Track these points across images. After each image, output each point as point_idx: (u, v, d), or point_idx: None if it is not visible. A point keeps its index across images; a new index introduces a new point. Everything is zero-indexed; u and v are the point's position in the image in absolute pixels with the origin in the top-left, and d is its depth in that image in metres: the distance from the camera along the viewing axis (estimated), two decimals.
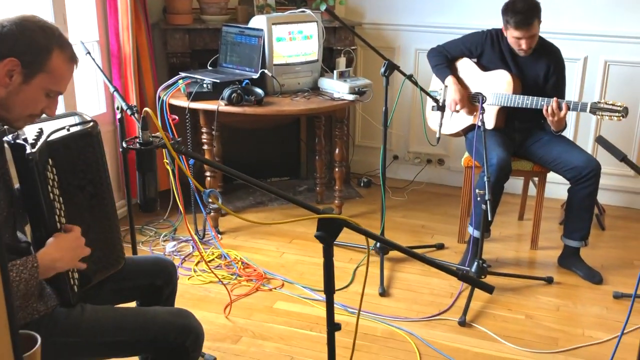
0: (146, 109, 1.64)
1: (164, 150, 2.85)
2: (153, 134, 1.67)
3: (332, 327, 1.65)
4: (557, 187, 3.79)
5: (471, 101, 3.31)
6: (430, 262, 1.60)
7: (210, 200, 1.57)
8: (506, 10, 3.09)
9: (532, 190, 3.71)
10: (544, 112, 3.06)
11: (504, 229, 3.75)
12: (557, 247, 3.36)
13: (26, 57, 1.53)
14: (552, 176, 3.32)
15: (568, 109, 3.03)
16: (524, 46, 3.12)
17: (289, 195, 1.62)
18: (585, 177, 3.07)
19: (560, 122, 3.08)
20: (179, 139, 1.67)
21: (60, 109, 2.93)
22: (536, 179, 3.50)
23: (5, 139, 1.60)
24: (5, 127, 1.60)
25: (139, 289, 2.00)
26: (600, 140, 1.85)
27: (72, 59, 1.64)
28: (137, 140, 1.66)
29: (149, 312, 1.84)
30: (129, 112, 2.49)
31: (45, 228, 1.60)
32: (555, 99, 3.04)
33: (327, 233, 1.54)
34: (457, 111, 3.30)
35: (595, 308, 2.92)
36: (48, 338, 1.62)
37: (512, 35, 3.11)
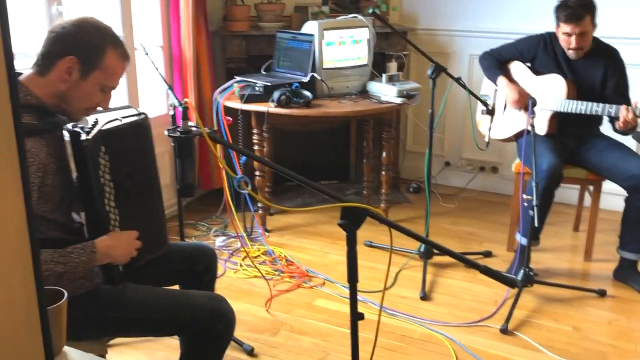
0: (186, 99, 1.73)
1: (218, 149, 2.97)
2: (193, 124, 1.76)
3: (355, 316, 1.68)
4: (616, 197, 3.66)
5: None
6: (456, 255, 1.60)
7: (240, 186, 1.63)
8: (558, 7, 3.04)
9: (589, 201, 3.59)
10: (618, 124, 2.96)
11: (558, 240, 3.65)
12: (614, 260, 3.23)
13: (83, 55, 1.65)
14: (612, 187, 3.21)
15: (634, 114, 2.91)
16: (573, 44, 3.03)
17: (315, 184, 1.64)
18: None
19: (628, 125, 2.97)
20: (215, 129, 1.75)
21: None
22: (591, 188, 3.39)
23: (65, 127, 1.73)
24: (65, 118, 1.73)
25: (180, 273, 2.09)
26: (637, 136, 1.78)
27: (124, 57, 1.75)
28: (178, 129, 1.75)
29: (186, 293, 1.94)
30: (179, 107, 2.60)
31: (95, 210, 1.70)
32: (624, 106, 2.92)
33: (351, 221, 1.56)
34: (521, 109, 3.22)
35: None
36: (91, 312, 1.75)
37: (562, 31, 3.04)
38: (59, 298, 1.16)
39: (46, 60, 1.66)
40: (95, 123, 1.70)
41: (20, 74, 1.69)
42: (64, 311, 1.18)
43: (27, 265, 0.83)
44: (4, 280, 0.80)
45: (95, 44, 1.68)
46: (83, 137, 1.64)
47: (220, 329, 1.84)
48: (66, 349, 1.21)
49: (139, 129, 1.81)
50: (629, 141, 3.70)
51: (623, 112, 2.92)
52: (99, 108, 1.78)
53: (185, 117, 1.73)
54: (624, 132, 3.03)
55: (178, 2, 3.58)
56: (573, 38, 3.03)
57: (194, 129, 1.72)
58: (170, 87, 2.75)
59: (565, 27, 3.02)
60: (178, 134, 1.71)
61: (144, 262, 1.87)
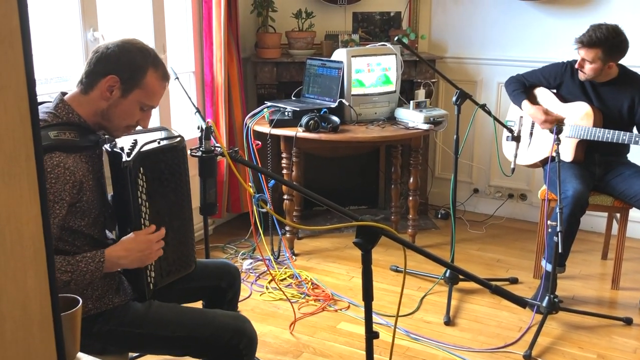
0: (209, 120, 1.81)
1: (248, 172, 3.03)
2: (216, 145, 1.84)
3: (371, 334, 1.70)
4: None
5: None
6: (469, 275, 1.62)
7: (259, 204, 1.70)
8: (591, 26, 3.08)
9: (617, 228, 3.54)
10: None
11: (585, 267, 3.60)
12: None
13: (125, 74, 1.75)
14: (639, 214, 3.17)
15: None
16: (583, 67, 3.10)
17: (338, 206, 1.68)
18: None
19: None
20: (237, 149, 1.82)
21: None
22: (618, 215, 3.35)
23: (104, 146, 1.82)
24: (105, 136, 1.83)
25: (204, 290, 2.15)
26: None
27: (164, 77, 1.84)
28: (200, 149, 1.83)
29: (209, 312, 1.98)
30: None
31: (131, 228, 1.77)
32: None
33: (366, 240, 1.60)
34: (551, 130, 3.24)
35: None
36: (118, 327, 1.80)
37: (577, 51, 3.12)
38: (74, 305, 1.22)
39: (89, 79, 1.76)
40: (135, 144, 1.77)
41: (65, 93, 1.79)
42: (78, 318, 1.23)
43: (42, 271, 0.86)
44: (19, 285, 0.83)
45: (137, 63, 1.76)
46: (124, 158, 1.72)
47: (242, 348, 1.86)
48: (80, 354, 1.25)
49: (176, 152, 1.88)
50: None
51: None
52: (138, 127, 1.86)
53: (208, 137, 1.80)
54: None
55: (211, 29, 3.71)
56: (579, 60, 3.09)
57: (216, 149, 1.79)
58: (198, 110, 2.85)
59: (575, 47, 3.09)
60: (200, 153, 1.78)
61: (172, 280, 1.94)
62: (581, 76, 3.15)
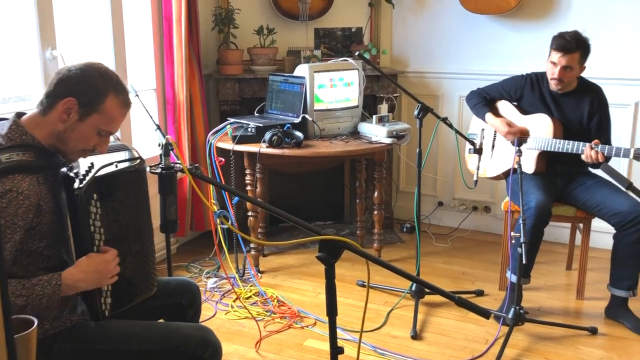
0: (168, 136, 1.77)
1: (211, 190, 2.98)
2: (177, 162, 1.79)
3: (336, 350, 1.67)
4: (607, 236, 3.66)
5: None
6: (432, 287, 1.60)
7: (220, 220, 1.66)
8: (555, 36, 3.11)
9: (580, 238, 3.59)
10: (583, 158, 3.01)
11: (550, 278, 3.64)
12: (605, 298, 3.21)
13: (83, 97, 1.70)
14: (601, 225, 3.22)
15: (604, 156, 2.96)
16: (556, 74, 3.10)
17: (302, 221, 1.65)
18: (630, 223, 2.96)
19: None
20: (197, 165, 1.78)
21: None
22: (582, 226, 3.40)
23: (61, 170, 1.75)
24: (63, 160, 1.77)
25: (164, 308, 2.11)
26: (605, 168, 1.82)
27: (125, 104, 1.79)
28: (160, 165, 1.78)
29: (173, 324, 1.97)
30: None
31: (85, 254, 1.71)
32: (588, 144, 2.98)
33: (329, 254, 1.57)
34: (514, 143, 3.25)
35: None
36: (79, 345, 1.77)
37: (550, 59, 3.12)
38: (30, 326, 1.17)
39: (49, 100, 1.72)
40: (91, 167, 1.72)
41: (21, 114, 1.75)
42: (34, 339, 1.19)
43: None
44: None
45: (97, 88, 1.72)
46: (76, 184, 1.66)
47: (207, 358, 1.86)
48: None
49: (134, 175, 1.83)
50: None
51: (587, 150, 2.98)
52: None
53: (167, 154, 1.76)
54: (593, 166, 3.07)
55: (172, 45, 3.67)
56: (557, 68, 3.09)
57: (175, 165, 1.75)
58: (158, 126, 2.80)
59: (554, 55, 3.09)
60: (160, 170, 1.74)
61: (132, 304, 1.89)
62: (556, 87, 3.17)
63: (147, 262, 1.93)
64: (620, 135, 3.73)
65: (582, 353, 2.83)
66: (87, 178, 1.68)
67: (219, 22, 3.99)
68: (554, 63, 3.10)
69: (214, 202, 3.38)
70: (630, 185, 1.67)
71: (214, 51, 4.15)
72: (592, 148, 2.97)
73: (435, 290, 1.54)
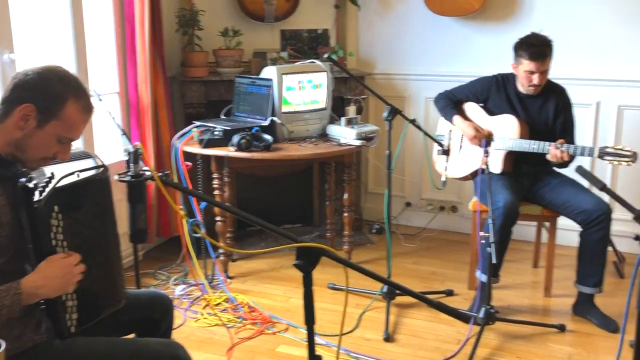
0: (137, 142, 1.71)
1: (178, 195, 2.93)
2: (145, 168, 1.74)
3: (313, 358, 1.64)
4: (573, 233, 3.72)
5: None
6: (411, 292, 1.60)
7: (193, 229, 1.61)
8: (520, 44, 3.12)
9: (546, 236, 3.65)
10: (548, 157, 3.06)
11: (518, 277, 3.68)
12: (572, 295, 3.26)
13: (42, 103, 1.62)
14: (567, 222, 3.27)
15: (569, 155, 3.01)
16: (535, 81, 3.12)
17: (272, 226, 1.63)
18: (595, 221, 3.02)
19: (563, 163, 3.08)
20: (167, 172, 1.73)
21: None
22: (548, 224, 3.45)
23: (19, 180, 1.66)
24: (23, 169, 1.68)
25: (135, 322, 2.03)
26: (580, 170, 1.84)
27: (87, 109, 1.71)
28: (128, 173, 1.73)
29: (140, 341, 1.89)
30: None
31: None
32: (553, 144, 3.02)
33: (306, 262, 1.56)
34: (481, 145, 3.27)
35: (610, 357, 2.81)
36: None
37: (524, 69, 3.12)
38: None
39: (5, 106, 1.64)
40: (51, 177, 1.65)
41: None
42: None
43: None
44: None
45: (55, 93, 1.64)
46: (36, 196, 1.59)
47: None
48: None
49: (97, 184, 1.77)
50: (581, 178, 3.80)
51: (552, 150, 3.03)
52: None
53: (136, 161, 1.71)
54: (559, 165, 3.13)
55: (135, 48, 3.59)
56: (536, 76, 3.11)
57: (145, 172, 1.70)
58: (124, 133, 2.73)
59: (529, 65, 3.09)
60: (128, 178, 1.68)
61: (99, 318, 1.82)
62: (535, 91, 3.20)
63: (113, 274, 1.87)
64: (582, 134, 3.81)
65: (552, 350, 2.87)
66: (48, 189, 1.60)
67: (183, 23, 3.92)
68: (530, 72, 3.11)
69: (181, 207, 3.32)
70: (604, 187, 1.69)
71: (178, 53, 4.08)
72: (556, 147, 3.02)
73: (413, 295, 1.53)
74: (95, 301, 1.79)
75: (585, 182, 3.84)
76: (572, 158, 3.10)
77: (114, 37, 3.64)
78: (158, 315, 2.04)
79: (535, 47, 3.07)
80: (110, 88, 3.65)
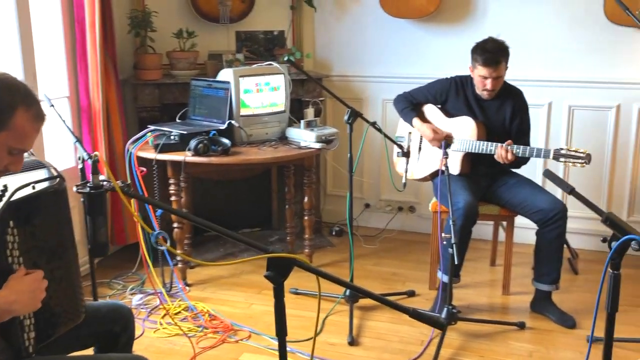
0: (96, 152, 1.64)
1: (132, 203, 2.83)
2: (104, 179, 1.67)
3: None
4: (529, 231, 3.80)
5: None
6: (384, 300, 1.58)
7: (158, 242, 1.56)
8: (476, 49, 3.16)
9: (503, 235, 3.71)
10: (495, 157, 3.11)
11: (476, 275, 3.74)
12: (530, 292, 3.32)
13: None
14: (523, 221, 3.33)
15: (514, 155, 3.06)
16: (488, 86, 3.17)
17: (234, 234, 1.59)
18: (551, 220, 3.08)
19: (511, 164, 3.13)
20: (129, 183, 1.67)
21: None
22: (505, 223, 3.51)
23: None
24: None
25: (95, 336, 1.96)
26: (547, 174, 1.87)
27: (38, 117, 1.63)
28: (88, 184, 1.65)
29: (102, 357, 1.84)
30: (89, 161, 2.49)
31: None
32: (500, 145, 3.08)
33: (277, 273, 1.52)
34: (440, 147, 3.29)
35: (569, 353, 2.88)
36: None
37: (478, 74, 3.17)
38: None
39: None
40: (5, 190, 1.57)
41: None
42: None
43: None
44: None
45: (3, 102, 1.55)
46: None
47: None
48: None
49: (54, 196, 1.69)
50: (537, 177, 3.89)
51: (498, 150, 3.08)
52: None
53: (96, 172, 1.63)
54: (511, 166, 3.18)
55: (85, 51, 3.47)
56: (489, 81, 3.16)
57: (105, 183, 1.62)
58: (79, 140, 2.63)
59: (483, 70, 3.14)
60: (88, 189, 1.61)
61: (58, 335, 1.74)
62: (486, 95, 3.24)
63: (72, 288, 1.79)
64: (535, 134, 3.88)
65: (514, 348, 2.92)
66: (1, 203, 1.53)
67: (135, 25, 3.81)
68: (484, 77, 3.16)
69: (136, 214, 3.22)
70: (572, 191, 1.72)
71: (131, 55, 3.97)
72: (502, 147, 3.07)
73: (389, 304, 1.52)
74: (53, 318, 1.71)
75: (542, 182, 3.95)
76: (527, 159, 3.17)
77: (63, 40, 3.52)
78: (118, 328, 1.98)
79: (489, 54, 3.11)
80: (60, 92, 3.52)
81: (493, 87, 3.18)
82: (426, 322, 1.45)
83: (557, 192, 3.91)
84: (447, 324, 2.93)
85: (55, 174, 1.76)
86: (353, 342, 2.96)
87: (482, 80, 3.18)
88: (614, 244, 1.52)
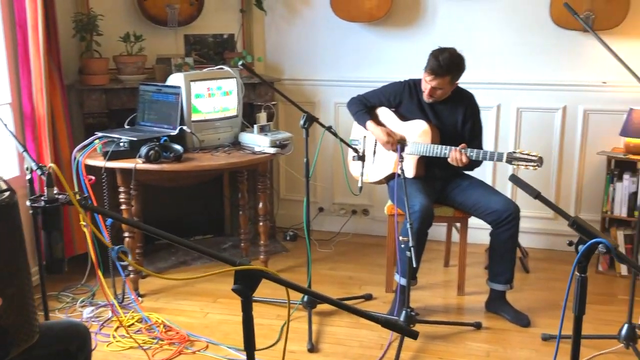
0: (51, 164, 1.57)
1: (80, 211, 2.73)
2: (59, 192, 1.59)
3: None
4: (480, 232, 3.88)
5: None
6: (355, 310, 1.57)
7: (118, 257, 1.50)
8: (432, 52, 3.19)
9: (456, 236, 3.77)
10: (449, 160, 3.16)
11: (431, 276, 3.78)
12: (484, 292, 3.39)
13: None
14: (474, 221, 3.39)
15: (468, 158, 3.12)
16: (426, 91, 3.24)
17: (199, 246, 1.55)
18: (505, 220, 3.15)
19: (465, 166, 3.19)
20: (86, 195, 1.60)
21: None
22: (458, 224, 3.56)
23: None
24: None
25: (51, 357, 1.87)
26: (513, 179, 1.90)
27: None
28: (42, 198, 1.57)
29: None
30: (38, 171, 2.38)
31: None
32: (454, 148, 3.13)
33: (246, 286, 1.48)
34: (395, 150, 3.29)
35: (525, 351, 2.93)
36: None
37: (424, 76, 3.23)
38: None
39: None
40: None
41: None
42: None
43: None
44: None
45: None
46: None
47: None
48: None
49: (5, 211, 1.60)
50: (487, 178, 3.98)
51: (452, 153, 3.14)
52: None
53: (51, 185, 1.55)
54: (465, 168, 3.24)
55: (28, 55, 3.32)
56: (428, 87, 3.23)
57: (60, 197, 1.55)
58: (26, 149, 2.51)
59: (425, 75, 3.21)
60: (43, 203, 1.53)
61: (11, 357, 1.65)
62: (427, 100, 3.29)
63: (25, 308, 1.69)
64: (485, 135, 3.93)
65: (471, 349, 2.96)
66: None
67: (80, 28, 3.68)
68: (426, 81, 3.22)
69: (84, 224, 3.10)
70: (538, 195, 1.74)
71: (76, 60, 3.84)
72: (456, 150, 3.12)
73: (360, 314, 1.50)
74: (5, 339, 1.62)
75: (493, 182, 4.03)
76: (478, 163, 3.23)
77: (3, 44, 3.35)
78: (74, 347, 1.90)
79: (437, 64, 3.14)
80: (1, 99, 3.36)
81: (430, 94, 3.24)
82: (399, 331, 1.44)
83: (508, 192, 4.02)
84: (402, 325, 2.94)
85: (4, 186, 1.67)
86: (313, 348, 2.93)
87: (424, 83, 3.25)
88: (581, 248, 1.54)
